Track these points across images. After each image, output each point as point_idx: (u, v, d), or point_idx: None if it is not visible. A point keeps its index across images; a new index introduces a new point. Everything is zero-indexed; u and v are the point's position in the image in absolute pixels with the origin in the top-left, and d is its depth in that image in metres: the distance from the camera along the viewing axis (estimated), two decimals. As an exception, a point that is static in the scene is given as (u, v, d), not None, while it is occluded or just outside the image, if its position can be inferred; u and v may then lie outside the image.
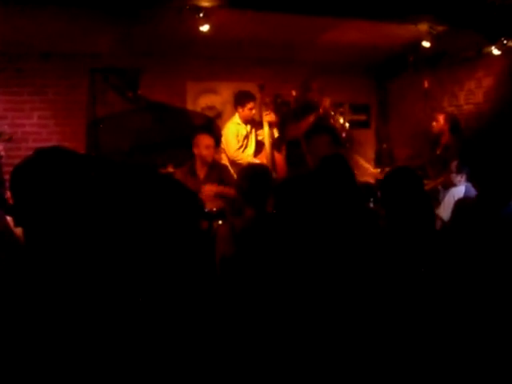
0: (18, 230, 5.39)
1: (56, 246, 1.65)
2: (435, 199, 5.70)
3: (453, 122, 6.91)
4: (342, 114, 6.29)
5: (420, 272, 2.35)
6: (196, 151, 5.72)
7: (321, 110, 6.21)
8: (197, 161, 5.76)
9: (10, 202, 5.92)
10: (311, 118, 6.19)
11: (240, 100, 6.52)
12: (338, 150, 6.43)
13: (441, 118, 6.95)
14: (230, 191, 5.38)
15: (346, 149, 6.36)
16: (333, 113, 6.28)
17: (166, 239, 2.20)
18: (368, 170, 7.08)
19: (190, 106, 7.85)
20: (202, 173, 5.74)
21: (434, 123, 7.00)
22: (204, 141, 5.71)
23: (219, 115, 7.91)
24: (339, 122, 6.29)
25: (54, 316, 1.53)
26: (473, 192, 5.24)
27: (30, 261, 1.66)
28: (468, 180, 5.38)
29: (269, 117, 6.36)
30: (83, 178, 1.72)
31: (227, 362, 1.79)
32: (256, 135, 6.66)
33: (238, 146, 6.47)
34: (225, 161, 6.48)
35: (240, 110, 6.50)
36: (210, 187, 5.44)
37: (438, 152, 6.93)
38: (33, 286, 1.57)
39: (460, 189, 5.42)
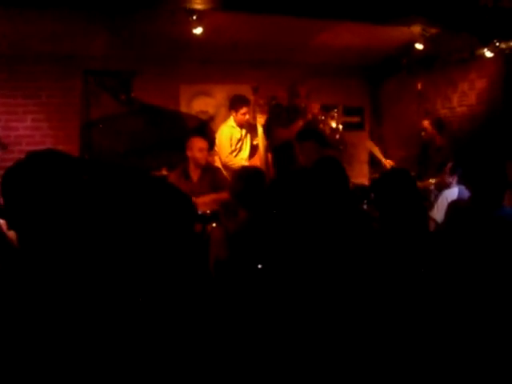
0: (11, 233, 5.39)
1: (49, 249, 1.64)
2: (425, 200, 5.71)
3: (438, 124, 6.98)
4: (333, 118, 6.24)
5: (414, 273, 2.36)
6: (189, 154, 5.70)
7: (309, 116, 6.18)
8: (190, 163, 5.75)
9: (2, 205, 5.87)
10: (300, 123, 6.17)
11: (234, 104, 6.53)
12: (327, 153, 6.44)
13: (427, 124, 7.02)
14: (222, 196, 5.38)
15: (339, 151, 6.35)
16: (323, 117, 6.23)
17: (160, 242, 2.20)
18: (381, 161, 7.11)
19: (183, 109, 7.83)
20: (195, 175, 5.73)
21: (423, 133, 7.07)
22: (197, 144, 5.70)
23: (212, 119, 7.90)
24: (330, 127, 6.24)
25: (49, 319, 1.53)
26: (466, 194, 5.25)
27: (24, 264, 1.65)
28: (460, 182, 5.39)
29: (263, 119, 6.36)
30: (76, 181, 1.72)
31: (221, 364, 1.79)
32: (251, 139, 6.65)
33: (230, 150, 6.46)
34: (218, 163, 6.47)
35: (234, 113, 6.52)
36: (203, 199, 5.42)
37: (430, 154, 6.96)
38: (27, 289, 1.57)
39: (453, 190, 5.43)
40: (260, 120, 6.39)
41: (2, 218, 5.57)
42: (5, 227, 5.57)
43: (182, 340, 1.74)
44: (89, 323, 1.56)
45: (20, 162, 1.70)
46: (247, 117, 6.51)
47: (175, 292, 1.89)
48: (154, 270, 1.91)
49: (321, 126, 6.23)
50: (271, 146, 6.42)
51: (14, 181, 1.67)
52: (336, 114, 6.21)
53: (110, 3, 5.41)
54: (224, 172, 6.06)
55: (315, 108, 6.23)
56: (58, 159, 1.72)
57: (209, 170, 5.84)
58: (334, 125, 6.21)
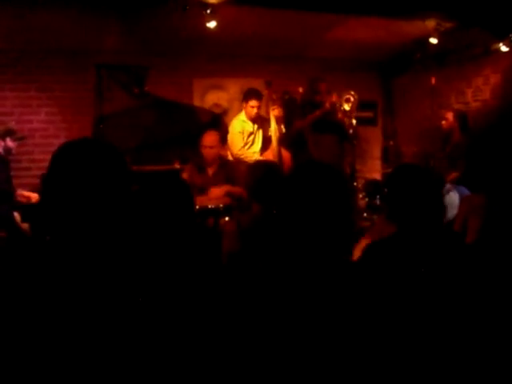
0: (25, 225, 5.45)
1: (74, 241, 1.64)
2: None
3: (462, 119, 6.87)
4: (347, 101, 6.11)
5: (423, 272, 2.33)
6: (200, 149, 5.73)
7: (328, 105, 6.08)
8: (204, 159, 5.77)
9: (19, 199, 5.89)
10: (318, 112, 6.09)
11: (246, 95, 6.51)
12: (346, 147, 6.40)
13: (450, 116, 6.91)
14: (236, 190, 5.39)
15: (353, 146, 6.32)
16: (338, 103, 6.13)
17: (163, 237, 2.21)
18: None
19: (196, 103, 7.85)
20: (210, 170, 5.73)
21: (444, 122, 6.96)
22: (203, 141, 5.70)
23: (226, 112, 7.91)
24: (345, 110, 6.09)
25: (55, 312, 1.53)
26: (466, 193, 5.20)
27: (36, 254, 1.66)
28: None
29: (276, 111, 6.32)
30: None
31: (232, 360, 1.80)
32: (264, 132, 6.63)
33: (242, 144, 6.45)
34: (230, 157, 6.48)
35: (244, 105, 6.50)
36: (216, 190, 5.45)
37: (447, 150, 6.89)
38: (38, 279, 1.57)
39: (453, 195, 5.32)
40: (273, 113, 6.35)
41: (17, 212, 5.64)
42: (19, 219, 5.65)
43: (192, 334, 1.75)
44: (99, 315, 1.57)
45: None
46: (255, 110, 6.46)
47: (187, 285, 1.89)
48: (164, 264, 1.92)
49: (339, 115, 6.12)
50: (287, 137, 6.38)
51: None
52: (352, 97, 6.08)
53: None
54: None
55: (334, 97, 6.13)
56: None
57: (225, 164, 5.83)
58: (347, 108, 6.08)
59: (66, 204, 1.62)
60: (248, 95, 6.47)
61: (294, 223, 2.12)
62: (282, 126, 6.41)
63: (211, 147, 5.69)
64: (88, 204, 1.62)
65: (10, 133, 5.83)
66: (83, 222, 1.63)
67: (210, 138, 5.70)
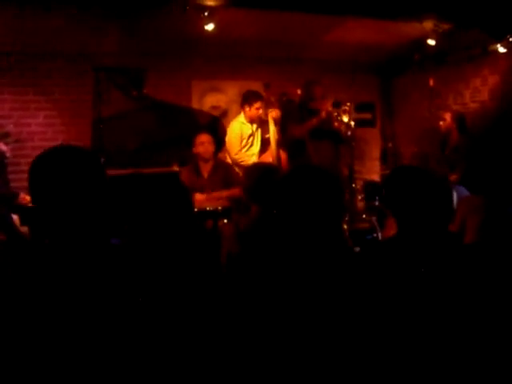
0: (24, 228, 5.45)
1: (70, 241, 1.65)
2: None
3: (460, 120, 6.87)
4: (345, 112, 6.13)
5: (423, 272, 2.33)
6: (194, 151, 5.76)
7: (323, 114, 6.09)
8: (199, 160, 5.78)
9: (18, 201, 5.88)
10: (314, 121, 6.11)
11: (248, 99, 6.47)
12: (342, 150, 6.40)
13: (448, 117, 6.91)
14: (234, 192, 5.42)
15: (351, 148, 6.32)
16: (336, 113, 6.15)
17: (162, 239, 2.21)
18: None
19: (195, 105, 7.85)
20: (205, 171, 5.74)
21: (442, 123, 6.95)
22: (198, 138, 5.75)
23: (225, 113, 7.91)
24: (344, 122, 6.13)
25: (55, 315, 1.53)
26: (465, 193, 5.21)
27: (36, 258, 1.66)
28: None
29: (274, 113, 6.30)
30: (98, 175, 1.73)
31: (231, 361, 1.80)
32: (263, 134, 6.62)
33: (240, 148, 6.43)
34: (228, 160, 6.47)
35: (247, 108, 6.45)
36: (214, 195, 5.51)
37: (446, 152, 6.89)
38: (37, 282, 1.58)
39: None
40: (271, 114, 6.34)
41: (16, 214, 5.63)
42: (18, 222, 5.65)
43: (191, 335, 1.75)
44: (97, 316, 1.57)
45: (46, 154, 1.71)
46: (260, 111, 6.45)
47: (187, 287, 1.89)
48: (164, 264, 1.92)
49: (336, 124, 6.14)
50: (284, 142, 6.38)
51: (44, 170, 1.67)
52: (348, 108, 6.10)
53: (123, 1, 5.43)
54: (236, 168, 6.06)
55: (328, 105, 6.14)
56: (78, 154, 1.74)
57: (220, 166, 5.84)
58: (346, 119, 6.09)
59: (49, 209, 1.65)
60: (251, 98, 6.42)
61: (289, 224, 2.13)
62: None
63: (209, 143, 5.76)
64: (68, 207, 1.65)
65: (1, 136, 5.84)
66: (69, 226, 1.65)
67: (203, 136, 5.79)
